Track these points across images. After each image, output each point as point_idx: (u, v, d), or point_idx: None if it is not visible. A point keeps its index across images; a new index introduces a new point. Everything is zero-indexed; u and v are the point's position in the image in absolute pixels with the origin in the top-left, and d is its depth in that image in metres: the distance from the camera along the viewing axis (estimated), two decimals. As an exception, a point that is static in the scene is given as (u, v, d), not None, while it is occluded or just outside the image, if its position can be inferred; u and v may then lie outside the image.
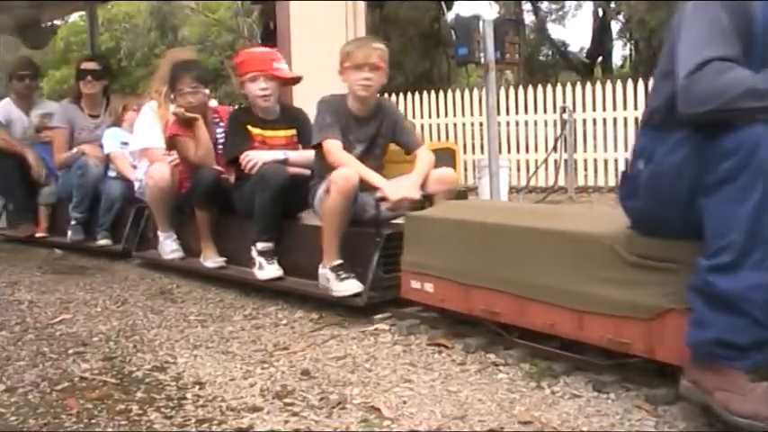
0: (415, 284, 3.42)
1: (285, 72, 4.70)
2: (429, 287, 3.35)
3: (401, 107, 13.93)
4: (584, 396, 2.53)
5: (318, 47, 7.01)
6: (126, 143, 5.82)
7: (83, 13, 15.96)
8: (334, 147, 3.84)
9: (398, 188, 3.71)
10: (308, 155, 4.24)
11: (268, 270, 4.14)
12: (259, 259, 4.18)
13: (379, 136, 4.07)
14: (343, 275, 3.68)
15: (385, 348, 3.17)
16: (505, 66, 6.48)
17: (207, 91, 4.88)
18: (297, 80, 4.84)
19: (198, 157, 4.72)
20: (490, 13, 24.17)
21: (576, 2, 27.36)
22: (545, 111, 11.88)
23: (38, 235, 6.54)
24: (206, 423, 2.43)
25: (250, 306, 4.05)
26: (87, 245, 6.01)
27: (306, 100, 6.91)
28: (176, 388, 2.76)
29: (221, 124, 4.95)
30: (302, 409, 2.51)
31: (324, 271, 3.78)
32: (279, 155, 4.38)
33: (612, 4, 22.89)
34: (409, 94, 13.87)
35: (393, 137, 4.10)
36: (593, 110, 11.47)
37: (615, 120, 10.96)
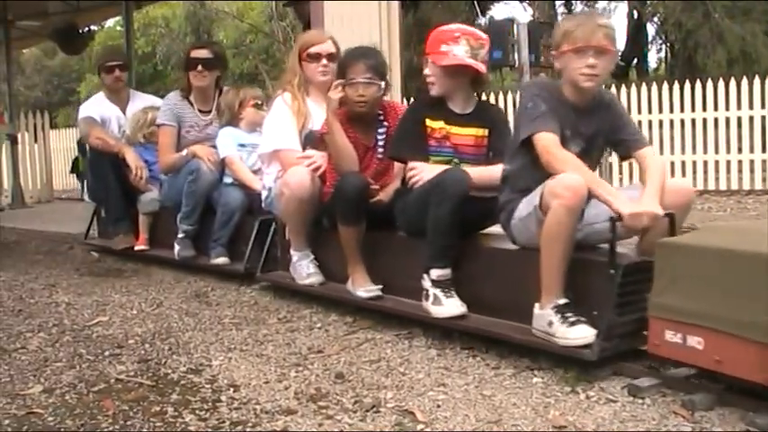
0: (673, 337, 2.53)
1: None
2: (696, 342, 2.47)
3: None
4: (620, 401, 2.51)
5: (353, 34, 7.02)
6: (243, 145, 5.17)
7: (119, 18, 16.14)
8: (552, 143, 3.01)
9: (637, 203, 2.88)
10: (494, 173, 3.44)
11: (447, 306, 3.27)
12: (434, 291, 3.32)
13: (599, 133, 3.24)
14: (572, 318, 2.82)
15: (419, 352, 3.16)
16: (540, 68, 6.47)
17: (383, 84, 4.01)
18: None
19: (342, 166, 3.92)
20: (524, 16, 24.08)
21: (610, 3, 27.19)
22: (580, 113, 11.78)
23: (137, 248, 5.75)
24: (240, 425, 2.44)
25: (284, 309, 4.06)
26: (199, 262, 5.20)
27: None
28: (211, 390, 2.77)
29: (385, 123, 4.08)
30: (336, 412, 2.51)
31: (543, 312, 2.90)
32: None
33: (648, 6, 22.69)
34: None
35: (614, 134, 3.25)
36: (629, 112, 11.37)
37: (650, 122, 10.85)
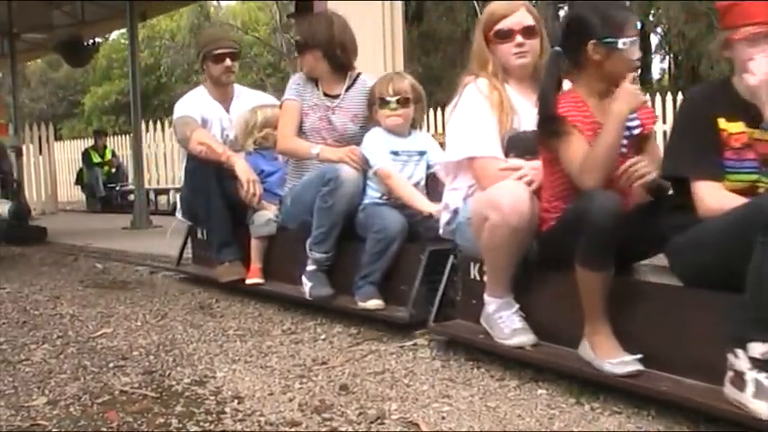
0: None
1: None
2: None
3: (440, 122, 13.94)
4: (625, 413, 2.50)
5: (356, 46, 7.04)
6: (396, 152, 4.01)
7: (123, 31, 16.22)
8: None
9: None
10: None
11: None
12: (756, 376, 2.23)
13: None
14: None
15: (423, 364, 3.16)
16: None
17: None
18: None
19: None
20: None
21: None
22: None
23: (249, 281, 4.61)
24: (245, 437, 2.44)
25: (289, 321, 4.05)
26: (340, 304, 4.00)
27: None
28: (215, 402, 2.77)
29: (636, 118, 2.94)
30: (341, 424, 2.51)
31: None
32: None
33: (651, 17, 22.73)
34: (447, 110, 13.83)
35: None
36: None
37: (654, 133, 10.86)
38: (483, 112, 3.25)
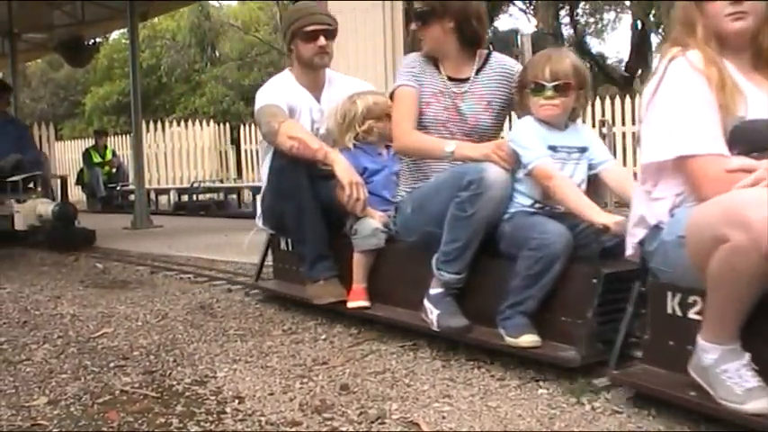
0: None
1: None
2: None
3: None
4: (625, 412, 2.50)
5: (357, 46, 7.06)
6: (554, 148, 3.19)
7: (124, 30, 16.24)
8: None
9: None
10: None
11: None
12: None
13: None
14: None
15: (424, 363, 3.16)
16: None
17: None
18: None
19: None
20: (528, 27, 24.13)
21: (614, 15, 27.25)
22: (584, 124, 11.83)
23: (352, 304, 3.83)
24: (245, 437, 2.44)
25: (289, 321, 4.05)
26: (479, 338, 3.21)
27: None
28: (216, 402, 2.77)
29: None
30: (341, 423, 2.51)
31: None
32: None
33: (651, 17, 22.73)
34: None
35: None
36: (633, 123, 11.38)
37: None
38: (700, 96, 2.50)
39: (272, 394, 2.83)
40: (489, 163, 3.20)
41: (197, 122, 18.67)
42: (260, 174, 4.56)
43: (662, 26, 23.48)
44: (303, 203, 3.99)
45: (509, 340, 3.01)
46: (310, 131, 4.19)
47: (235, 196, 14.96)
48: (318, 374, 3.06)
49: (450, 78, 3.67)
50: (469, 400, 2.69)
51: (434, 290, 3.35)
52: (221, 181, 16.82)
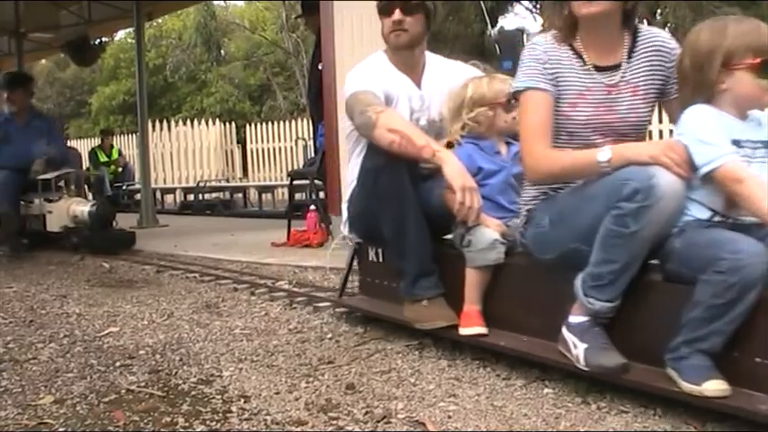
0: None
1: None
2: None
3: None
4: (631, 412, 2.49)
5: (363, 45, 7.06)
6: (738, 142, 2.54)
7: (130, 30, 16.26)
8: None
9: None
10: None
11: None
12: None
13: None
14: None
15: (430, 363, 3.16)
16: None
17: None
18: None
19: None
20: (534, 26, 24.10)
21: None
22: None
23: (466, 331, 3.16)
24: (251, 436, 2.44)
25: (295, 320, 4.05)
26: (639, 381, 2.54)
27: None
28: (222, 401, 2.77)
29: None
30: (347, 423, 2.50)
31: None
32: None
33: (658, 16, 22.70)
34: None
35: None
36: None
37: (661, 132, 10.83)
38: None
39: (277, 393, 2.83)
40: (659, 167, 2.51)
41: (203, 122, 18.70)
42: (348, 173, 3.89)
43: (668, 24, 23.46)
44: (405, 210, 3.35)
45: (687, 387, 2.36)
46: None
47: (241, 195, 14.98)
48: (324, 374, 3.06)
49: (596, 68, 2.89)
50: (475, 400, 2.68)
51: (577, 318, 2.71)
52: (227, 180, 16.86)
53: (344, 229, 3.91)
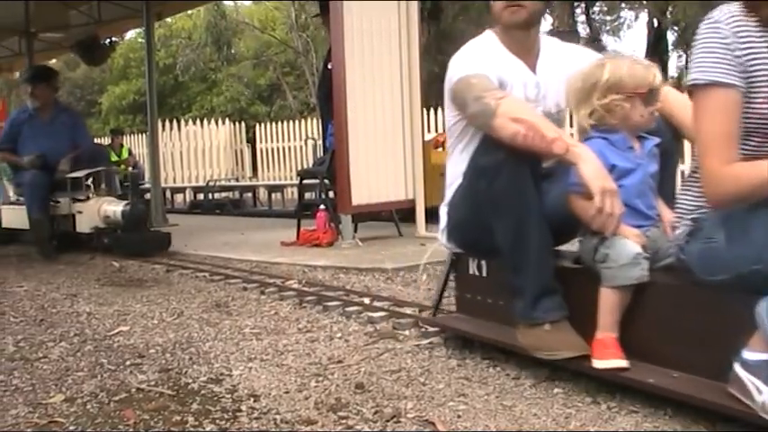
0: None
1: None
2: None
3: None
4: (641, 412, 2.49)
5: (373, 45, 7.08)
6: None
7: (140, 30, 16.31)
8: None
9: None
10: None
11: None
12: None
13: None
14: None
15: (439, 362, 3.15)
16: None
17: None
18: None
19: None
20: (544, 25, 24.08)
21: (630, 12, 27.16)
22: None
23: (603, 363, 2.60)
24: (261, 435, 2.44)
25: (305, 319, 4.05)
26: None
27: (360, 99, 6.97)
28: (231, 400, 2.77)
29: None
30: (356, 422, 2.50)
31: None
32: None
33: (668, 15, 22.66)
34: None
35: None
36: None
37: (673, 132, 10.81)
38: None
39: (287, 392, 2.83)
40: None
41: (212, 121, 18.73)
42: (448, 172, 3.35)
43: (678, 24, 23.41)
44: (526, 216, 2.82)
45: None
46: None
47: (250, 195, 14.99)
48: (334, 373, 3.06)
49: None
50: (485, 399, 2.68)
51: (758, 355, 2.20)
52: (237, 179, 16.87)
53: (441, 238, 3.39)
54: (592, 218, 2.60)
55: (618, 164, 2.74)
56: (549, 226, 2.85)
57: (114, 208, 7.06)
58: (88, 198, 7.36)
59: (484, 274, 3.31)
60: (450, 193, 3.30)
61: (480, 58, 3.07)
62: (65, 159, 7.46)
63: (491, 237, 2.91)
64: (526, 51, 3.17)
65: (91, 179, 7.61)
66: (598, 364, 2.61)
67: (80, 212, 7.32)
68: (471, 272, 3.37)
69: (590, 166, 2.60)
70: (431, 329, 3.61)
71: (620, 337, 2.63)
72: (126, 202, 7.11)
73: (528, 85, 3.13)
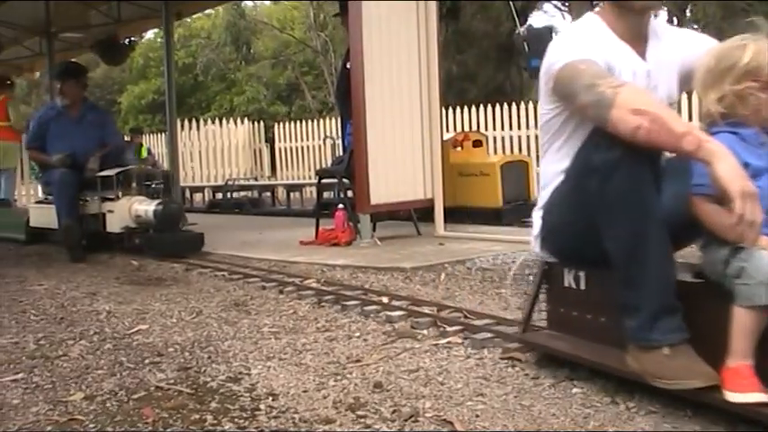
0: None
1: None
2: None
3: (474, 119, 13.93)
4: (661, 412, 2.47)
5: (391, 44, 7.08)
6: None
7: (159, 29, 16.38)
8: None
9: None
10: None
11: None
12: None
13: None
14: None
15: (458, 362, 3.15)
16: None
17: None
18: None
19: None
20: (563, 24, 23.99)
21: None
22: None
23: (740, 398, 2.23)
24: (279, 434, 2.45)
25: (323, 318, 4.06)
26: None
27: (379, 99, 6.97)
28: (250, 399, 2.77)
29: None
30: (375, 421, 2.50)
31: None
32: None
33: (688, 13, 22.53)
34: (482, 107, 13.87)
35: None
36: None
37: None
38: None
39: (305, 391, 2.84)
40: None
41: (231, 120, 18.78)
42: (543, 173, 3.02)
43: (698, 23, 23.28)
44: (645, 222, 2.48)
45: None
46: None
47: (269, 194, 15.02)
48: (352, 372, 3.06)
49: None
50: (503, 399, 2.67)
51: None
52: (255, 179, 16.90)
53: (534, 245, 3.05)
54: (728, 226, 2.26)
55: (752, 162, 2.37)
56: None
57: (146, 207, 6.85)
58: (118, 197, 7.13)
59: (581, 286, 2.91)
60: (545, 195, 2.95)
61: (586, 43, 2.74)
62: (93, 158, 7.32)
63: (596, 245, 2.58)
64: (636, 37, 2.81)
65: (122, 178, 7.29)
66: (733, 397, 2.25)
67: (110, 212, 7.10)
68: (566, 284, 2.96)
69: (726, 165, 2.22)
70: (449, 329, 3.60)
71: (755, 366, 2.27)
72: (158, 201, 6.92)
73: (638, 73, 2.77)
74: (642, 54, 2.80)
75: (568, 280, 2.95)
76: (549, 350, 2.98)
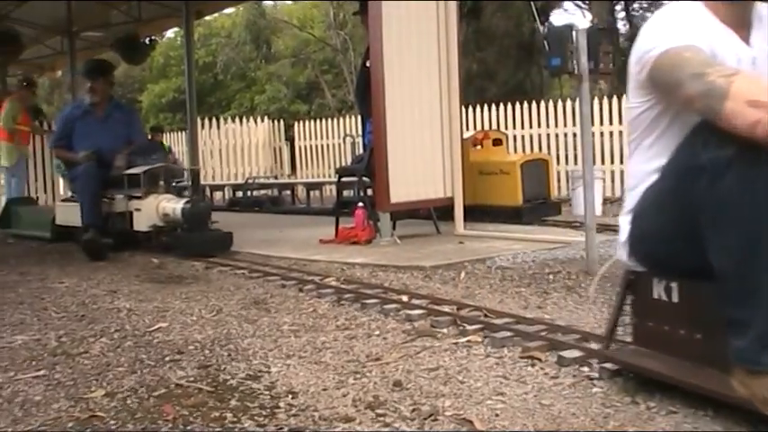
0: None
1: None
2: None
3: (494, 118, 13.90)
4: (681, 412, 2.46)
5: (411, 43, 7.08)
6: None
7: (179, 28, 16.45)
8: None
9: None
10: None
11: None
12: None
13: None
14: None
15: (477, 360, 3.14)
16: (599, 75, 6.40)
17: None
18: None
19: None
20: (583, 22, 23.91)
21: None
22: (640, 121, 11.70)
23: None
24: (298, 432, 2.45)
25: (343, 317, 4.06)
26: None
27: (398, 97, 6.97)
28: (270, 397, 2.78)
29: None
30: (394, 420, 2.50)
31: None
32: None
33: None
34: (502, 105, 13.85)
35: None
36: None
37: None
38: None
39: (325, 390, 2.84)
40: None
41: (251, 119, 18.83)
42: (632, 172, 2.73)
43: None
44: (763, 229, 2.15)
45: None
46: None
47: (289, 192, 15.04)
48: (372, 370, 3.06)
49: None
50: (523, 398, 2.67)
51: None
52: (275, 177, 16.93)
53: (621, 253, 2.75)
54: None
55: None
56: None
57: (174, 205, 6.79)
58: (146, 195, 7.03)
59: (674, 299, 2.60)
60: (634, 197, 2.67)
61: (688, 28, 2.44)
62: (120, 156, 7.31)
63: (696, 252, 2.32)
64: (740, 21, 2.52)
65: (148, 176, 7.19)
66: None
67: (138, 210, 7.02)
68: (656, 295, 2.66)
69: None
70: (469, 328, 3.60)
71: None
72: (186, 199, 6.87)
73: (743, 60, 2.46)
74: (746, 40, 2.52)
75: (658, 291, 2.65)
76: (639, 369, 2.71)
